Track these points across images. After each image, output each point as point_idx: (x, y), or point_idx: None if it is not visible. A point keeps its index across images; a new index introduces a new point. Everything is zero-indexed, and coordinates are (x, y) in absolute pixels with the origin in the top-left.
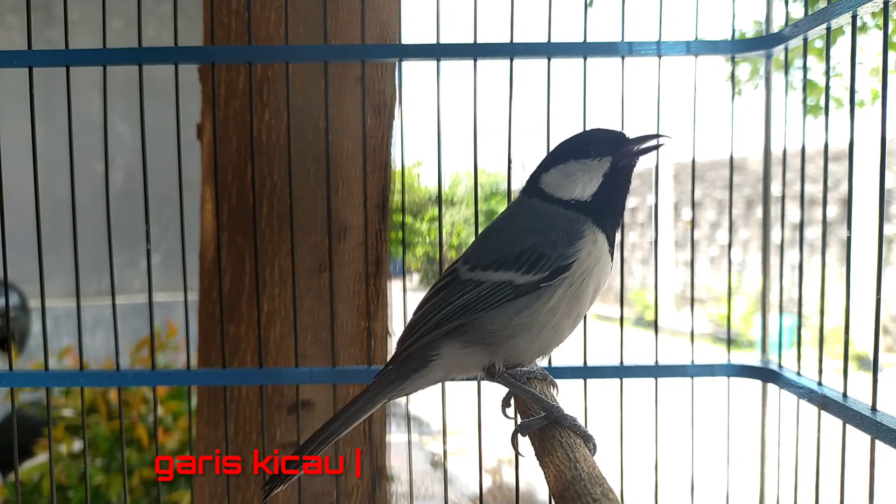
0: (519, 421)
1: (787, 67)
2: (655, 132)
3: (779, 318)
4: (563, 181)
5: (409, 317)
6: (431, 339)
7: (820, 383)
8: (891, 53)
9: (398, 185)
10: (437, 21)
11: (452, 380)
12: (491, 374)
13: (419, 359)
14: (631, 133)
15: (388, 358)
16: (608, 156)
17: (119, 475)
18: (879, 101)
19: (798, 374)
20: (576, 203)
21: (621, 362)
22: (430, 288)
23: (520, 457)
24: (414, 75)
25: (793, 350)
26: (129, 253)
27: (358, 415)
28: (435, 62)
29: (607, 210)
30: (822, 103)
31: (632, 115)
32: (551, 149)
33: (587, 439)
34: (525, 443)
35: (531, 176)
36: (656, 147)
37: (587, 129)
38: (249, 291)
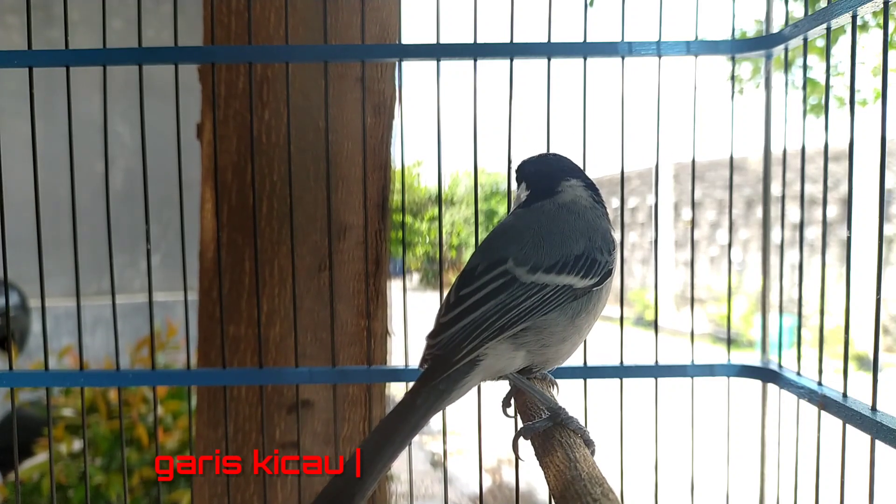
0: (519, 420)
1: (787, 67)
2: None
3: (779, 318)
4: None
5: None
6: (491, 345)
7: (820, 383)
8: (891, 53)
9: (398, 185)
10: (437, 21)
11: None
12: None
13: (466, 364)
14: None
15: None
16: None
17: (119, 475)
18: (880, 100)
19: (798, 374)
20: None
21: (621, 362)
22: (472, 290)
23: (520, 461)
24: (414, 75)
25: (793, 350)
26: (129, 253)
27: (412, 434)
28: (435, 62)
29: None
30: (824, 102)
31: (632, 115)
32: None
33: (589, 444)
34: (525, 443)
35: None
36: None
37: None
38: (249, 291)
